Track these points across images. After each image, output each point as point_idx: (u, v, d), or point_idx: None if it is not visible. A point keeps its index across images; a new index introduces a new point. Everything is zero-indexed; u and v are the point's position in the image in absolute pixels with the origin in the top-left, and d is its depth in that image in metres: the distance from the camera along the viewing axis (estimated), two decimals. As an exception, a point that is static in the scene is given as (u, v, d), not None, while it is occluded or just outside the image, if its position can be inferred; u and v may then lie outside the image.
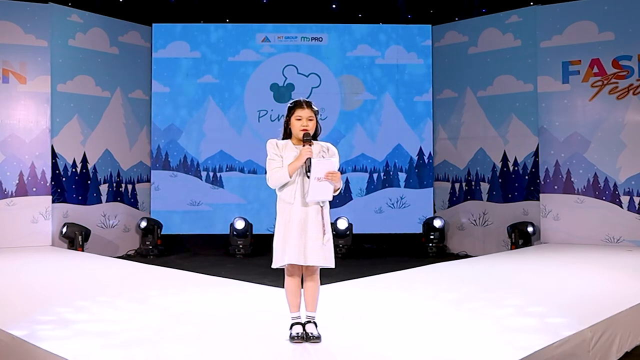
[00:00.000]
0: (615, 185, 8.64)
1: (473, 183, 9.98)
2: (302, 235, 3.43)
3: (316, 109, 3.58)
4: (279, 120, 10.06)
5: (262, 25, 10.36)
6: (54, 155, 9.04)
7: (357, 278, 6.00)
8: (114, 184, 9.80)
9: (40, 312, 4.32)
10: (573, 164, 8.96)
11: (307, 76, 10.32)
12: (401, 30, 10.41)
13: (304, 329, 3.50)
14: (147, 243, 9.52)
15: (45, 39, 8.94)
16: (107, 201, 9.68)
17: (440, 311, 4.44)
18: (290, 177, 3.46)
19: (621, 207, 8.57)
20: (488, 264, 7.21)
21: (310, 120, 3.53)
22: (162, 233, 9.71)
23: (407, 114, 10.32)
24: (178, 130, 10.21)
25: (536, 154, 9.27)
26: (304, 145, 3.47)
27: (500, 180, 9.67)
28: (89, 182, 9.47)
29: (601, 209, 8.68)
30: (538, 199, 9.21)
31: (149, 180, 10.23)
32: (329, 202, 3.57)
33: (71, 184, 9.26)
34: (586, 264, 6.91)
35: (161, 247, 9.63)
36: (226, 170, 10.21)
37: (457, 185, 10.18)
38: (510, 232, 9.22)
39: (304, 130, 3.50)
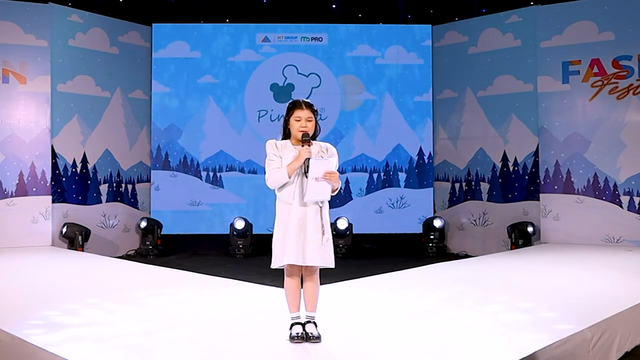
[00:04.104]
0: (615, 185, 8.63)
1: (473, 183, 9.98)
2: (300, 236, 3.43)
3: (315, 109, 3.58)
4: (279, 120, 10.05)
5: (262, 25, 10.36)
6: (54, 155, 9.04)
7: (357, 278, 5.99)
8: (114, 184, 9.80)
9: (40, 312, 4.32)
10: (573, 164, 8.96)
11: (307, 76, 10.32)
12: (401, 30, 10.41)
13: (303, 329, 3.50)
14: (147, 243, 9.52)
15: (45, 39, 8.94)
16: (107, 201, 9.68)
17: (439, 311, 4.44)
18: (289, 177, 3.46)
19: (621, 207, 8.57)
20: (488, 264, 7.21)
21: (309, 120, 3.52)
22: (162, 233, 9.71)
23: (407, 114, 10.32)
24: (178, 130, 10.21)
25: (536, 154, 9.27)
26: (302, 146, 3.47)
27: (500, 180, 9.67)
28: (89, 182, 9.47)
29: (601, 209, 8.68)
30: (538, 199, 9.21)
31: (149, 180, 10.23)
32: (328, 202, 3.57)
33: (71, 184, 9.26)
34: (586, 264, 6.91)
35: (161, 247, 9.63)
36: (226, 170, 10.21)
37: (457, 185, 10.18)
38: (510, 232, 9.22)
39: (302, 131, 3.50)
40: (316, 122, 3.57)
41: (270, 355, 3.32)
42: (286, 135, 3.61)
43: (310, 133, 3.52)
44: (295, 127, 3.52)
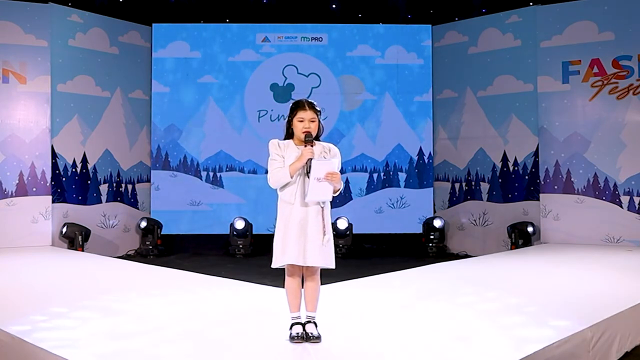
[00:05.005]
0: (615, 185, 8.64)
1: (473, 183, 9.98)
2: (301, 236, 3.43)
3: (319, 109, 3.58)
4: (279, 120, 10.06)
5: (262, 25, 10.36)
6: (54, 155, 9.04)
7: (357, 278, 5.99)
8: (114, 184, 9.80)
9: (40, 312, 4.32)
10: (573, 164, 8.96)
11: (307, 76, 10.32)
12: (401, 30, 10.41)
13: (304, 329, 3.50)
14: (147, 243, 9.52)
15: (45, 39, 8.94)
16: (107, 201, 9.68)
17: (439, 311, 4.44)
18: (291, 177, 3.46)
19: (621, 207, 8.57)
20: (488, 264, 7.21)
21: (313, 121, 3.52)
22: (162, 233, 9.70)
23: (407, 114, 10.32)
24: (178, 130, 10.21)
25: (536, 154, 9.27)
26: (305, 146, 3.48)
27: (500, 180, 9.67)
28: (89, 182, 9.47)
29: (601, 209, 8.68)
30: (538, 199, 9.21)
31: (149, 180, 10.23)
32: (330, 202, 3.57)
33: (71, 184, 9.26)
34: (586, 264, 6.91)
35: (161, 247, 9.63)
36: (226, 170, 10.21)
37: (457, 185, 10.18)
38: (510, 232, 9.22)
39: (306, 131, 3.50)
40: (319, 122, 3.57)
41: (270, 355, 3.32)
42: (289, 135, 3.61)
43: (314, 134, 3.52)
44: (299, 127, 3.52)
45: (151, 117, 10.23)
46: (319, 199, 3.47)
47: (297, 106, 3.56)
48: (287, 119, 3.61)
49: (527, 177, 9.40)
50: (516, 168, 9.51)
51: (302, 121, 3.52)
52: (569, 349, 3.58)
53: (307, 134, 3.49)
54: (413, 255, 9.54)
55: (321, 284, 3.62)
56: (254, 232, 9.66)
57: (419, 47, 10.39)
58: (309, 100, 3.59)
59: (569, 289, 5.34)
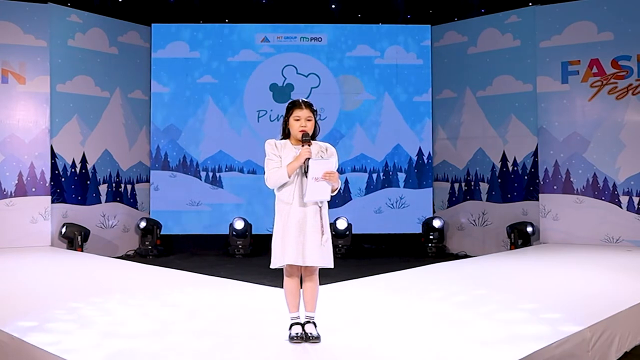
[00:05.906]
0: (614, 185, 8.64)
1: (472, 183, 9.99)
2: (300, 236, 3.43)
3: (315, 108, 3.58)
4: (278, 120, 10.05)
5: (261, 25, 10.36)
6: (53, 155, 9.04)
7: (356, 278, 6.00)
8: (114, 184, 9.80)
9: (39, 313, 4.32)
10: (572, 164, 8.96)
11: (306, 76, 10.32)
12: (401, 30, 10.41)
13: (303, 329, 3.50)
14: (147, 243, 9.51)
15: (44, 39, 8.94)
16: (106, 201, 9.68)
17: (439, 311, 4.44)
18: (289, 177, 3.46)
19: (620, 207, 8.57)
20: (487, 264, 7.21)
21: (309, 120, 3.52)
22: (161, 233, 9.70)
23: (406, 114, 10.32)
24: (177, 131, 10.20)
25: (535, 154, 9.27)
26: (303, 146, 3.47)
27: (499, 181, 9.68)
28: (88, 182, 9.47)
29: (600, 209, 8.68)
30: (537, 199, 9.21)
31: (148, 181, 10.22)
32: (328, 202, 3.57)
33: (70, 184, 9.26)
34: (585, 264, 6.92)
35: (160, 248, 9.62)
36: (225, 171, 10.21)
37: (456, 186, 10.18)
38: (510, 232, 9.23)
39: (302, 130, 3.50)
40: (315, 121, 3.57)
41: (269, 356, 3.32)
42: (285, 135, 3.61)
43: (310, 132, 3.52)
44: (295, 126, 3.52)
45: (150, 117, 10.22)
46: (317, 199, 3.47)
47: (294, 105, 3.56)
48: (283, 118, 3.61)
49: (526, 177, 9.40)
50: (515, 168, 9.51)
51: (298, 120, 3.52)
52: (568, 348, 3.58)
53: (305, 134, 3.49)
54: (412, 255, 9.54)
55: (320, 284, 3.62)
56: (253, 232, 9.66)
57: (418, 47, 10.39)
58: (305, 100, 3.60)
59: (568, 289, 5.35)
